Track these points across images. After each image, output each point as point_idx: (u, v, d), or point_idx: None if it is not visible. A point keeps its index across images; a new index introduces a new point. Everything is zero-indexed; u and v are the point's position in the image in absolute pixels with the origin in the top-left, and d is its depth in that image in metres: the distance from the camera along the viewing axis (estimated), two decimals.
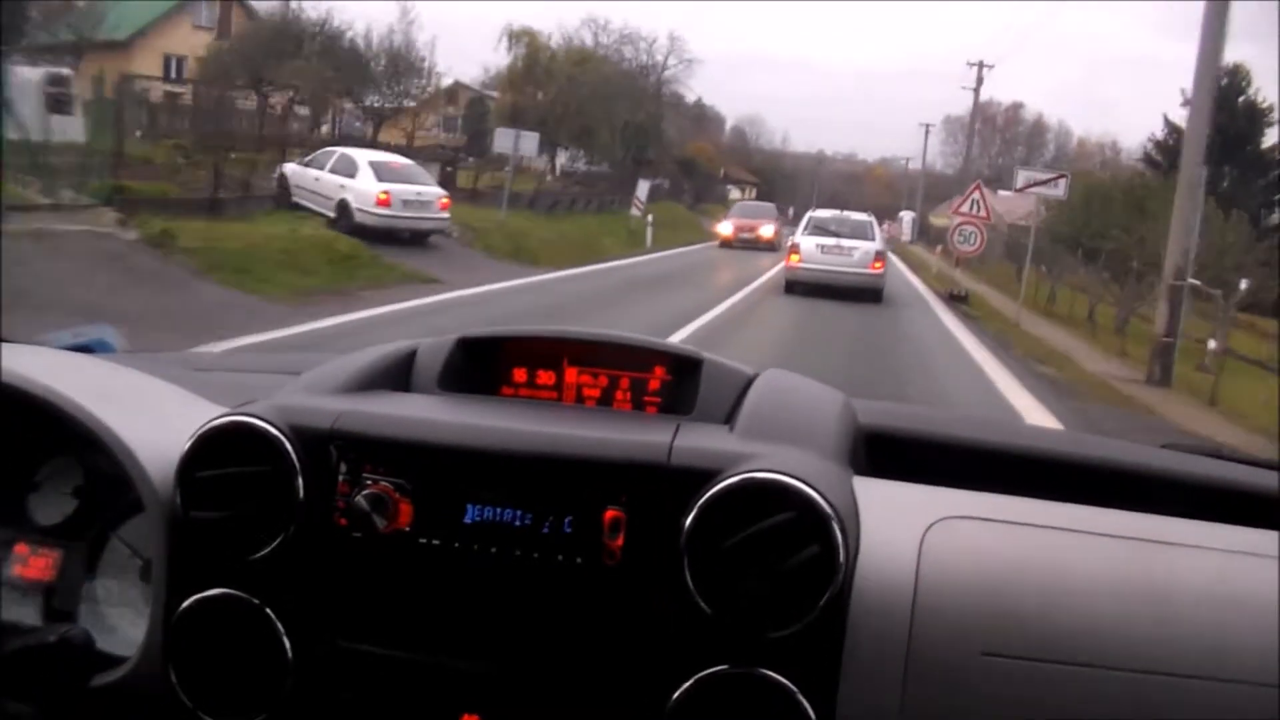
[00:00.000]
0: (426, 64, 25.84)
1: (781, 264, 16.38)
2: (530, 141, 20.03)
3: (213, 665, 0.91)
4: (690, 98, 49.29)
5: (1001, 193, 50.05)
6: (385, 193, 14.18)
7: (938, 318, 13.88)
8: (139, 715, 0.98)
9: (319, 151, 15.38)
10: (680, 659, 0.81)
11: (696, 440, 0.89)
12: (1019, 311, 14.43)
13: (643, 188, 24.04)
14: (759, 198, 59.63)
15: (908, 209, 46.28)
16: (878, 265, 14.88)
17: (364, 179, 14.27)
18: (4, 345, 1.16)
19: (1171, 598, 0.82)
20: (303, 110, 22.74)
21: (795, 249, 15.40)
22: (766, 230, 25.43)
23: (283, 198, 14.73)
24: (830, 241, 15.34)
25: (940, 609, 0.82)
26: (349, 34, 24.53)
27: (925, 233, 43.01)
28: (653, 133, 35.35)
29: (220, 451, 0.90)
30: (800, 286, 14.64)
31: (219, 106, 18.41)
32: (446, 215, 14.89)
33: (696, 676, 0.81)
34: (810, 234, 15.42)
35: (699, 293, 13.48)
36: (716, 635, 0.80)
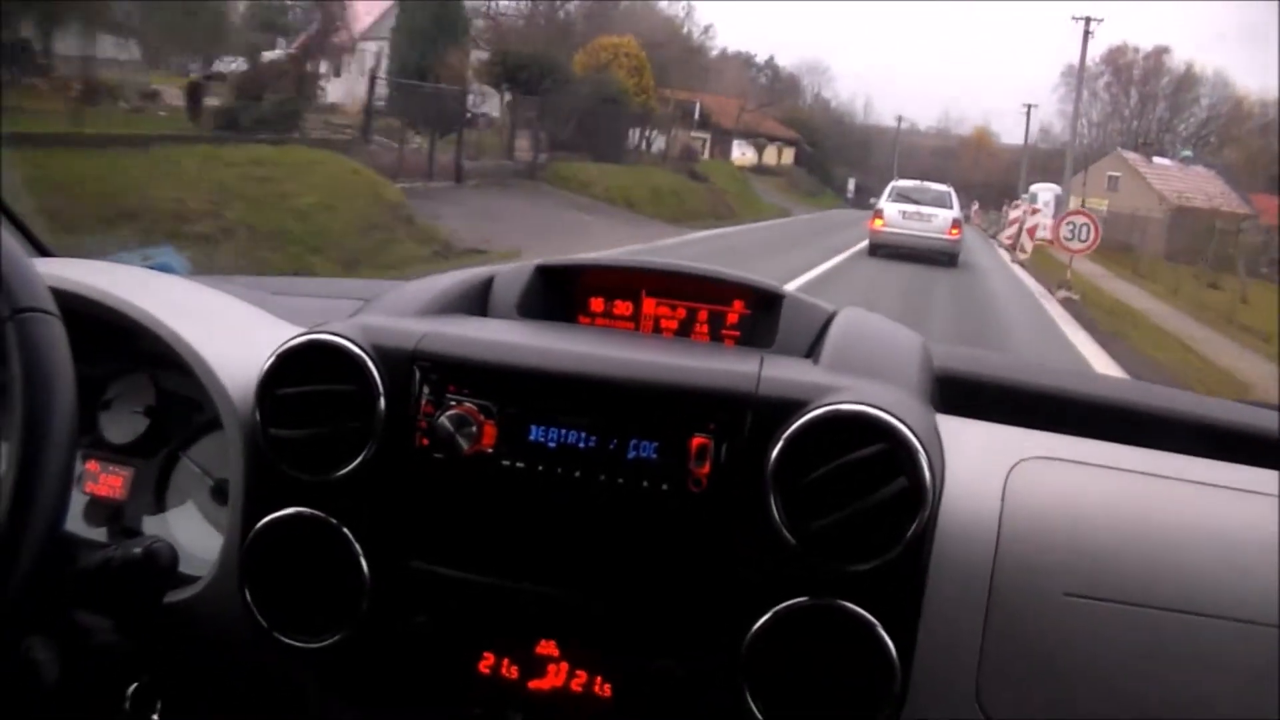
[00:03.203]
0: None
1: None
2: None
3: (288, 585, 1.04)
4: None
5: (1158, 160, 41.97)
6: None
7: None
8: (208, 634, 1.10)
9: None
10: (761, 590, 0.95)
11: (783, 371, 1.02)
12: None
13: None
14: (797, 162, 48.96)
15: (1042, 183, 33.82)
16: (954, 231, 18.20)
17: None
18: (81, 262, 1.30)
19: (1251, 545, 0.95)
20: None
21: (879, 214, 18.55)
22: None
23: None
24: (912, 208, 18.30)
25: (1023, 548, 0.94)
26: None
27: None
28: None
29: (302, 369, 1.03)
30: (883, 249, 17.66)
31: None
32: None
33: (776, 608, 0.94)
34: (894, 201, 18.76)
35: None
36: (798, 567, 0.93)
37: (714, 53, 48.98)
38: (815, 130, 51.10)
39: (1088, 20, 34.81)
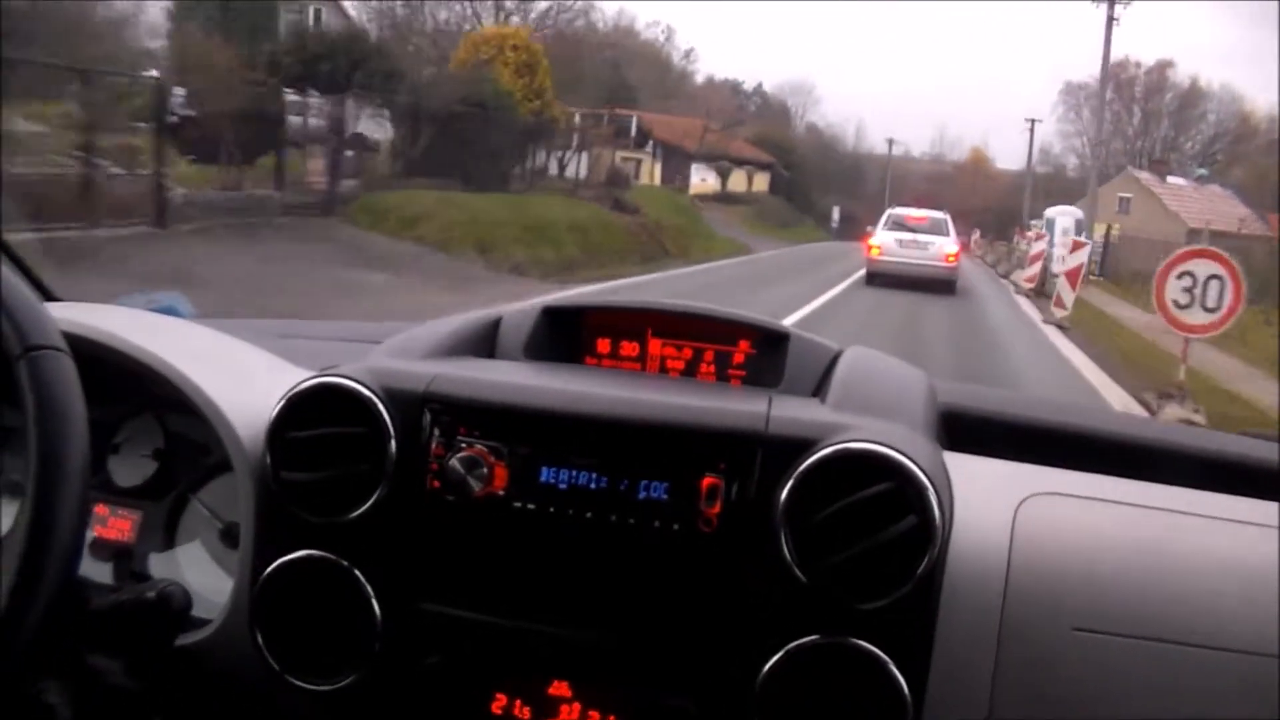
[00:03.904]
0: None
1: None
2: None
3: (300, 628, 1.08)
4: None
5: (1172, 180, 39.02)
6: None
7: None
8: (220, 676, 1.14)
9: None
10: (772, 628, 0.99)
11: (792, 410, 1.07)
12: None
13: None
14: (772, 189, 42.87)
15: (1059, 206, 26.97)
16: (951, 259, 18.51)
17: None
18: (89, 305, 1.33)
19: (1260, 578, 0.98)
20: None
21: (875, 244, 18.82)
22: None
23: None
24: (908, 236, 18.58)
25: (1033, 584, 0.97)
26: None
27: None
28: None
29: (312, 413, 1.07)
30: (880, 279, 17.85)
31: None
32: None
33: (788, 646, 0.98)
34: (889, 229, 19.15)
35: None
36: (809, 605, 0.97)
37: (699, 78, 47.81)
38: (793, 152, 45.66)
39: (1111, 4, 28.69)
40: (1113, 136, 48.09)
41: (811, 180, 48.10)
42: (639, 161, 32.29)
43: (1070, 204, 30.89)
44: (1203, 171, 42.07)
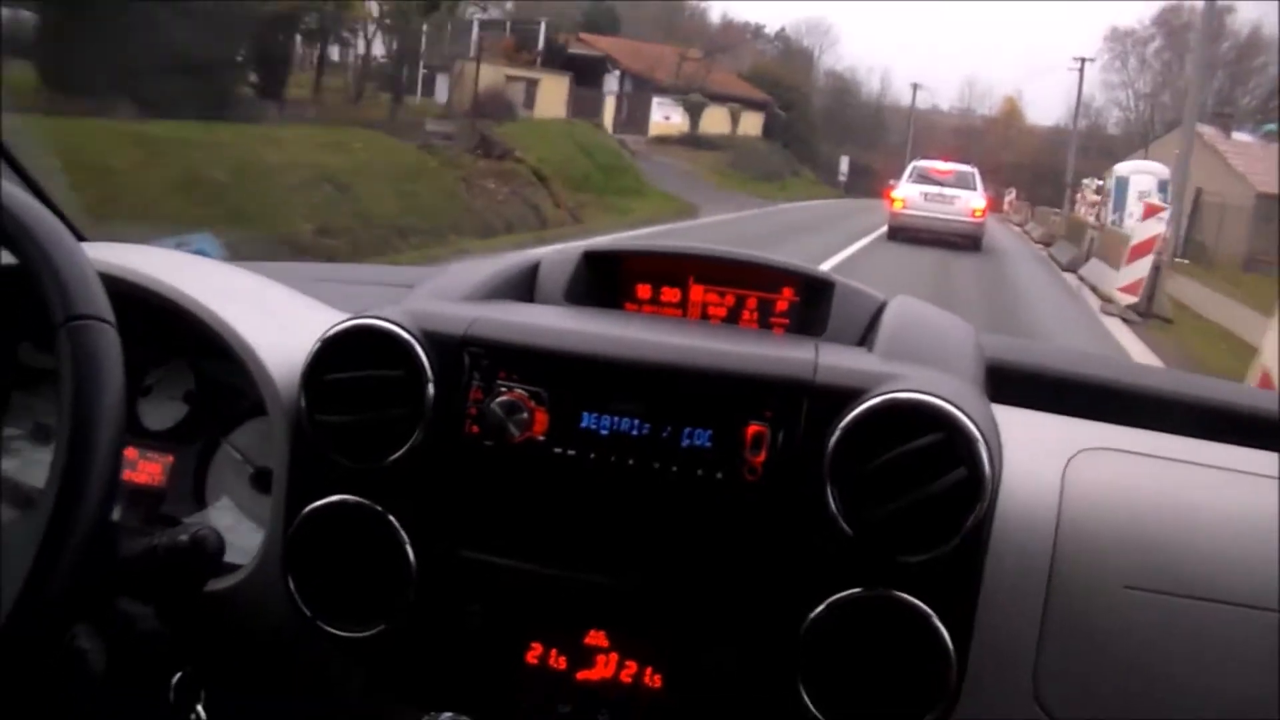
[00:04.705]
0: None
1: None
2: None
3: (332, 574, 1.11)
4: None
5: (1238, 136, 33.72)
6: None
7: None
8: (251, 623, 1.17)
9: None
10: (815, 580, 1.02)
11: (840, 359, 1.09)
12: None
13: None
14: (767, 133, 36.15)
15: (1135, 162, 23.40)
16: (978, 214, 18.15)
17: None
18: (121, 246, 1.35)
19: None
20: None
21: (898, 197, 18.64)
22: None
23: None
24: (933, 189, 18.18)
25: (1083, 540, 1.00)
26: None
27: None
28: None
29: (348, 355, 1.09)
30: (903, 234, 17.73)
31: None
32: None
33: (831, 599, 1.01)
34: (913, 182, 18.91)
35: None
36: (854, 557, 1.00)
37: (714, 16, 46.45)
38: (794, 90, 37.74)
39: None
40: (1161, 89, 46.02)
41: (823, 127, 44.78)
42: (533, 82, 25.60)
43: (1113, 164, 25.94)
44: (1271, 127, 39.43)
